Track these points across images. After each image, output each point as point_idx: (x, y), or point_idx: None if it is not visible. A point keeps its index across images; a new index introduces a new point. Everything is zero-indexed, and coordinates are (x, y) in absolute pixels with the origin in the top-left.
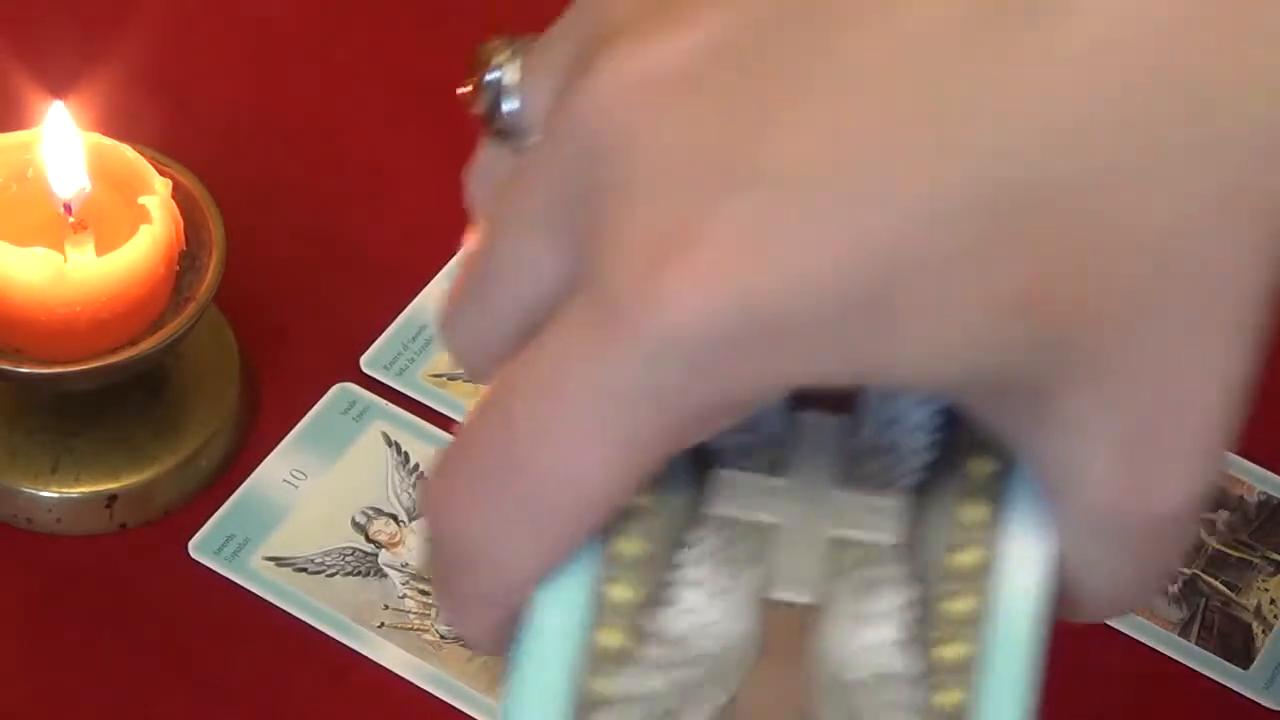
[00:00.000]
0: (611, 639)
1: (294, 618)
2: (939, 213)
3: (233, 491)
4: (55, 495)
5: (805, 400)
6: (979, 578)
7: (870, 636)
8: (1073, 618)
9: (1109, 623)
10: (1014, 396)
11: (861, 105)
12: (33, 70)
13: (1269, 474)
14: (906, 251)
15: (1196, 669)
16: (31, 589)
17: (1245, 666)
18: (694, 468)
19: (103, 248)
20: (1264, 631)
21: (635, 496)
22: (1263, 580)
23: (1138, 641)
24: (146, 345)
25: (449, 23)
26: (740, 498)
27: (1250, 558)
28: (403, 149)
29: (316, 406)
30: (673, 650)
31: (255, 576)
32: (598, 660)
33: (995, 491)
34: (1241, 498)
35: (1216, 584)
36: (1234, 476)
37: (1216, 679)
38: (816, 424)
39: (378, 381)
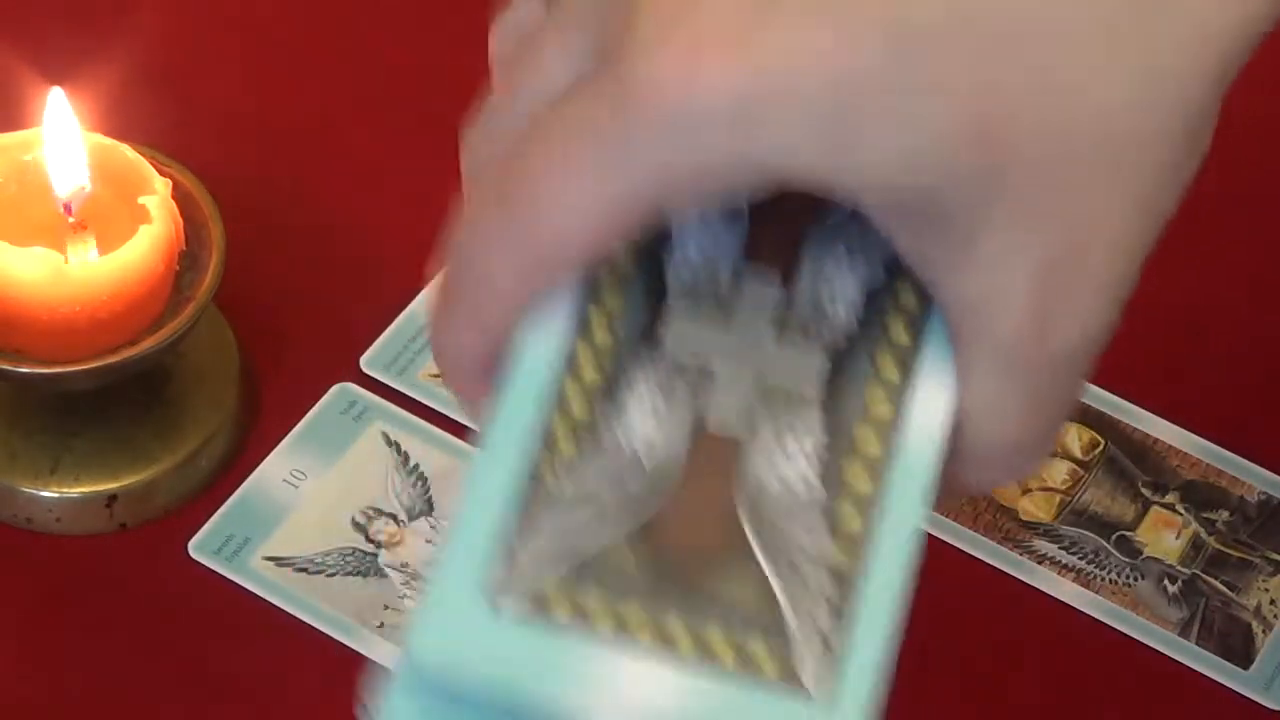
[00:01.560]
0: (566, 446)
1: (294, 618)
2: (908, 40)
3: (233, 491)
4: (55, 495)
5: (755, 267)
6: (888, 429)
7: (787, 469)
8: (967, 480)
9: (1108, 622)
10: (944, 226)
11: None
12: (33, 70)
13: (1269, 474)
14: (874, 69)
15: (1196, 669)
16: (31, 589)
17: (1245, 666)
18: (650, 308)
19: (103, 247)
20: (1264, 631)
21: (597, 324)
22: (1263, 580)
23: (1138, 641)
24: (146, 345)
25: (448, 23)
26: (687, 336)
27: (1250, 558)
28: (403, 149)
29: (316, 406)
30: (614, 463)
31: (255, 576)
32: (552, 462)
33: (909, 360)
34: (1241, 498)
35: (1216, 584)
36: (1234, 476)
37: (1216, 679)
38: (761, 285)
39: (378, 381)
